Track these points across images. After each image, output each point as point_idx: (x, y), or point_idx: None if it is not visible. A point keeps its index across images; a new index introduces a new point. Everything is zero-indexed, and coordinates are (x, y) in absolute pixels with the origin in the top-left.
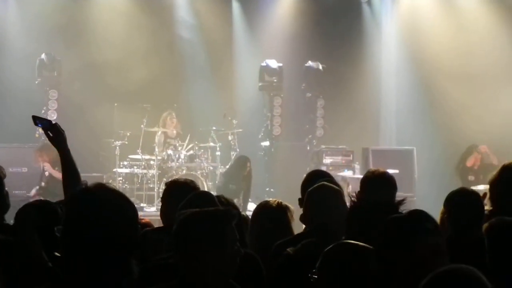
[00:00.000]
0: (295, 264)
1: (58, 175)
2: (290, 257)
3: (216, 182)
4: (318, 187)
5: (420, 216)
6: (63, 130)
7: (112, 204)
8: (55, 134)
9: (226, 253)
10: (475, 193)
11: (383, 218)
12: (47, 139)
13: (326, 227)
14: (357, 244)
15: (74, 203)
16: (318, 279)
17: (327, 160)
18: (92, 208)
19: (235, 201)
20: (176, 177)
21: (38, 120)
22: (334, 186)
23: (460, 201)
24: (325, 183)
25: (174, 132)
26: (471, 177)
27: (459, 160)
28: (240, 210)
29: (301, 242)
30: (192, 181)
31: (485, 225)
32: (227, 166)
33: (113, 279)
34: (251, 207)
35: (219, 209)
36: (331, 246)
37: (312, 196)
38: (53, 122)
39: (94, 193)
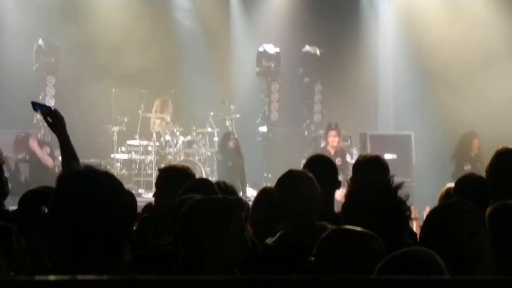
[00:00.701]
0: (275, 255)
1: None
2: (269, 248)
3: (214, 171)
4: (287, 174)
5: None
6: (62, 116)
7: (102, 184)
8: (54, 120)
9: (230, 240)
10: (482, 179)
11: (383, 203)
12: (46, 124)
13: (303, 215)
14: (355, 229)
15: (64, 181)
16: (315, 265)
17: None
18: (82, 187)
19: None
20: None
21: (37, 106)
22: (304, 172)
23: (466, 186)
24: (294, 169)
25: (169, 118)
26: (467, 167)
27: (456, 148)
28: (240, 194)
29: (279, 232)
30: (186, 167)
31: (488, 210)
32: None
33: (100, 261)
34: (249, 192)
35: (229, 197)
36: (329, 231)
37: (282, 183)
38: (52, 108)
39: (85, 173)
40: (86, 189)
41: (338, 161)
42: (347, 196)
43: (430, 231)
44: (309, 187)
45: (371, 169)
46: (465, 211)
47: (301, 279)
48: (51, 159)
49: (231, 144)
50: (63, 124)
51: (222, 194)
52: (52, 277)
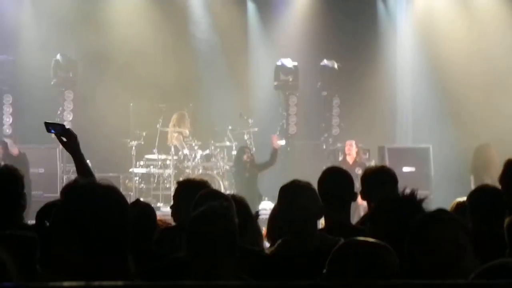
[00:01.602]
0: (273, 265)
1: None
2: (267, 258)
3: (233, 184)
4: (289, 184)
5: (439, 210)
6: (75, 135)
7: (103, 196)
8: (69, 139)
9: (229, 247)
10: (496, 189)
11: (410, 215)
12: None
13: (301, 222)
14: (368, 240)
15: (66, 194)
16: (327, 276)
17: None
18: (82, 199)
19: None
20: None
21: (50, 126)
22: (307, 183)
23: (481, 197)
24: (297, 179)
25: (187, 131)
26: (487, 180)
27: (473, 161)
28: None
29: (277, 242)
30: (203, 180)
31: (506, 220)
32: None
33: (102, 269)
34: (268, 205)
35: (222, 206)
36: (342, 243)
37: (284, 193)
38: (66, 127)
39: (86, 185)
40: (87, 201)
41: (357, 171)
42: (372, 208)
43: (412, 238)
44: (307, 197)
45: (380, 180)
46: (446, 219)
47: (310, 284)
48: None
49: (245, 157)
50: (77, 143)
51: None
52: (66, 284)
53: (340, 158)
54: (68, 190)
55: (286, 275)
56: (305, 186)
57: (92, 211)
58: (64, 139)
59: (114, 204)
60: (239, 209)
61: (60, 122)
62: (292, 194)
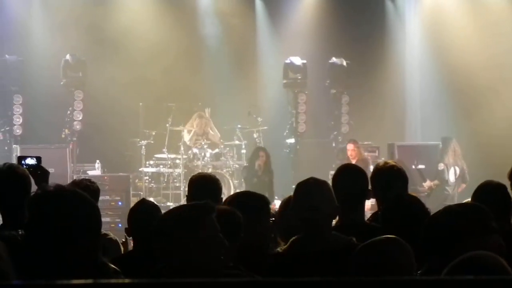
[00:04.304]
0: (285, 262)
1: None
2: (280, 256)
3: (242, 183)
4: (305, 181)
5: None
6: (48, 171)
7: (70, 200)
8: (44, 174)
9: (202, 241)
10: (502, 186)
11: (421, 214)
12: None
13: (313, 221)
14: (385, 241)
15: (37, 201)
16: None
17: None
18: (51, 205)
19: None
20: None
21: (23, 160)
22: (323, 181)
23: (486, 193)
24: (314, 177)
25: (203, 131)
26: None
27: None
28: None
29: (291, 239)
30: (214, 176)
31: None
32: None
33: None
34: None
35: (197, 203)
36: (361, 246)
37: (299, 190)
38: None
39: (53, 192)
40: (55, 207)
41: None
42: (386, 206)
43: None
44: (322, 197)
45: (390, 179)
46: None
47: (321, 280)
48: None
49: (259, 161)
50: (47, 179)
51: None
52: (75, 281)
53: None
54: (37, 199)
55: (297, 274)
56: (321, 184)
57: (61, 216)
58: (38, 172)
59: (81, 210)
60: (247, 207)
61: (37, 155)
62: (307, 192)
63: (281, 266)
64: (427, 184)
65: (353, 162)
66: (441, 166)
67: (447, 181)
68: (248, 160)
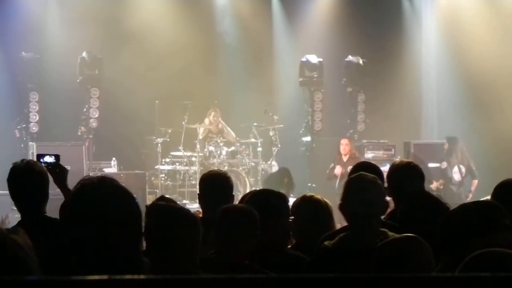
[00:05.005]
0: (332, 257)
1: None
2: (327, 250)
3: (258, 181)
4: (355, 177)
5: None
6: (67, 169)
7: (113, 196)
8: (62, 171)
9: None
10: None
11: (441, 211)
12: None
13: (363, 219)
14: (405, 239)
15: (78, 194)
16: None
17: (369, 154)
18: (93, 199)
19: None
20: None
21: (42, 158)
22: (373, 177)
23: (506, 191)
24: (364, 173)
25: (216, 127)
26: None
27: None
28: None
29: (339, 235)
30: (224, 172)
31: None
32: (269, 174)
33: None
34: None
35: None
36: (386, 240)
37: (349, 186)
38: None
39: (97, 185)
40: (100, 201)
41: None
42: (404, 204)
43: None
44: (372, 192)
45: (407, 177)
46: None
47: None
48: None
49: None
50: (66, 177)
51: None
52: (90, 278)
53: (366, 155)
54: (80, 187)
55: (346, 269)
56: (372, 180)
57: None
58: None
59: (122, 194)
60: (266, 206)
61: (55, 153)
62: (360, 187)
63: (330, 260)
64: (434, 185)
65: (344, 158)
66: (444, 164)
67: (451, 179)
68: (271, 178)
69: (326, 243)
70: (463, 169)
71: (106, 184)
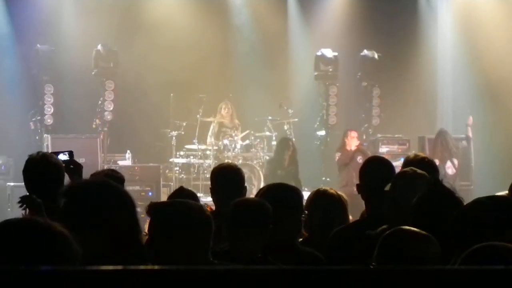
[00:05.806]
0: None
1: None
2: (372, 237)
3: (263, 170)
4: (405, 171)
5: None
6: (81, 165)
7: (111, 192)
8: (77, 167)
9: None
10: None
11: (455, 206)
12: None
13: (399, 214)
14: (412, 229)
15: (76, 192)
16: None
17: (383, 149)
18: (90, 195)
19: None
20: None
21: (58, 154)
22: (422, 173)
23: None
24: (414, 168)
25: (230, 121)
26: None
27: None
28: None
29: (381, 227)
30: (234, 165)
31: None
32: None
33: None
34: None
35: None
36: (388, 232)
37: (400, 180)
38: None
39: (95, 183)
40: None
41: (359, 159)
42: (418, 198)
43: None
44: (421, 187)
45: (422, 170)
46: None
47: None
48: None
49: (289, 152)
50: (81, 173)
51: None
52: (104, 268)
53: (380, 150)
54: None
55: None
56: (422, 175)
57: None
58: (72, 166)
59: (123, 201)
60: (282, 201)
61: (69, 150)
62: (408, 182)
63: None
64: None
65: (348, 148)
66: (436, 161)
67: (445, 175)
68: (276, 152)
69: (369, 231)
70: (456, 161)
71: (97, 184)
